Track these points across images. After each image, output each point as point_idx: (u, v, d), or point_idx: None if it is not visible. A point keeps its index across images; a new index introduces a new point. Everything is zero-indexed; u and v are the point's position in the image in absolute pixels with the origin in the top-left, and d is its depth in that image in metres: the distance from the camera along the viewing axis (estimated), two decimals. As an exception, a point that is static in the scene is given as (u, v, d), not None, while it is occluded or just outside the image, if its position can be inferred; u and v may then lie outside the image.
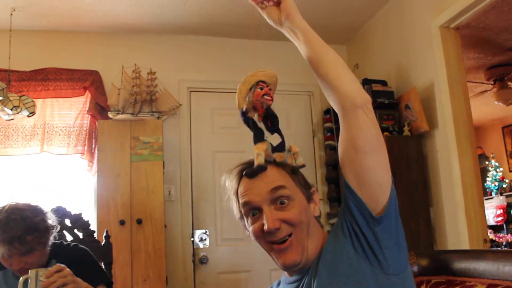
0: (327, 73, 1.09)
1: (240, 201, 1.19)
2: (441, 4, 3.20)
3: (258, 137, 1.21)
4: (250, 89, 1.19)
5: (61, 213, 2.35)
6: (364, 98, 1.08)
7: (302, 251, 1.14)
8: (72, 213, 2.44)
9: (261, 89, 1.17)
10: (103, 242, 2.44)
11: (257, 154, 1.18)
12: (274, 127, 1.22)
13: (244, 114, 1.21)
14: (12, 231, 1.70)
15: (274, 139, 1.22)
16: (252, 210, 1.17)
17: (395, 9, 3.80)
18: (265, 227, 1.12)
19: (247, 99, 1.19)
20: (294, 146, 1.23)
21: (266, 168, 1.17)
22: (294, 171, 1.20)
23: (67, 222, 2.42)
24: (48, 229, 1.84)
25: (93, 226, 2.88)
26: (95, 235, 2.48)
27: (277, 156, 1.21)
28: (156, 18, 3.94)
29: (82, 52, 4.06)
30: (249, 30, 4.08)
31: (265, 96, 1.16)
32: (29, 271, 1.60)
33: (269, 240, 1.14)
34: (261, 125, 1.22)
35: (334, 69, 1.09)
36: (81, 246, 2.08)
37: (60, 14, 3.77)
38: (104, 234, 2.47)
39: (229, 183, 1.23)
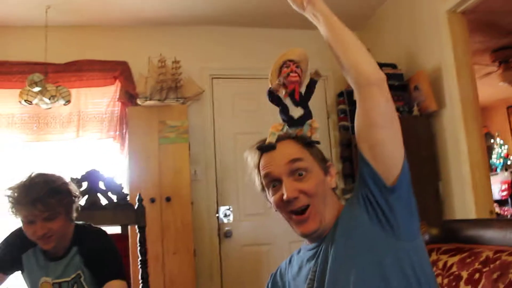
0: (346, 53, 1.10)
1: (262, 174, 1.20)
2: (448, -11, 3.14)
3: (283, 112, 1.22)
4: (280, 69, 1.21)
5: (94, 176, 2.31)
6: (379, 76, 1.09)
7: (320, 220, 1.15)
8: (106, 177, 2.37)
9: (287, 67, 1.19)
10: (136, 205, 2.36)
11: (270, 132, 1.20)
12: (301, 101, 1.22)
13: (269, 94, 1.23)
14: (35, 193, 1.65)
15: (299, 112, 1.23)
16: (272, 182, 1.18)
17: (404, -4, 3.74)
18: (284, 196, 1.13)
19: (276, 79, 1.21)
20: (315, 122, 1.23)
21: (275, 147, 1.18)
22: (309, 144, 1.21)
23: (101, 185, 2.35)
24: (70, 192, 1.79)
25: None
26: (128, 198, 2.39)
27: (296, 131, 1.21)
28: (179, 11, 3.94)
29: (111, 45, 4.08)
30: (267, 19, 4.05)
31: (290, 74, 1.18)
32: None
33: (289, 209, 1.16)
34: (287, 101, 1.23)
35: (352, 49, 1.10)
36: (106, 236, 1.94)
37: (91, 10, 3.79)
38: (137, 197, 2.38)
39: (251, 158, 1.24)
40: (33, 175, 1.74)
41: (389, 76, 3.66)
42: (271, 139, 1.19)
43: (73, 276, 1.81)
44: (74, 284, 1.81)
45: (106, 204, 2.34)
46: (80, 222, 1.92)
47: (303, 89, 1.25)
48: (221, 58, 4.25)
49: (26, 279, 1.86)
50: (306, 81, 1.26)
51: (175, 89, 3.89)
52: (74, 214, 1.83)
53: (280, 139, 1.20)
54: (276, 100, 1.23)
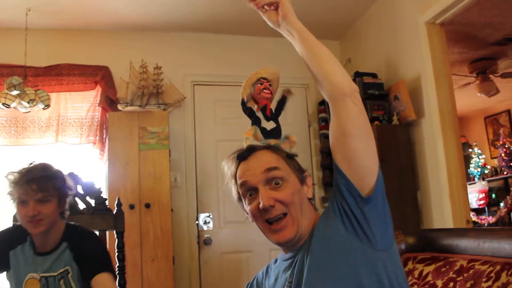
0: (319, 66, 1.14)
1: (238, 183, 1.21)
2: (427, 1, 3.19)
3: (256, 123, 1.26)
4: (253, 85, 1.26)
5: (73, 180, 2.23)
6: (352, 87, 1.11)
7: (296, 229, 1.16)
8: (84, 181, 2.34)
9: (261, 84, 1.26)
10: (115, 210, 2.35)
11: (245, 138, 1.24)
12: (272, 116, 1.27)
13: (243, 104, 1.28)
14: (32, 174, 1.78)
15: (271, 126, 1.27)
16: (249, 191, 1.19)
17: (385, 7, 3.79)
18: (261, 205, 1.14)
19: (248, 92, 1.27)
20: (293, 137, 1.27)
21: (255, 149, 1.21)
22: (288, 156, 1.23)
23: (80, 189, 2.32)
24: (65, 182, 1.89)
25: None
26: (107, 203, 2.38)
27: (271, 141, 1.24)
28: (162, 16, 3.94)
29: (93, 49, 4.05)
30: (248, 27, 4.07)
31: (264, 91, 1.25)
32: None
33: (265, 218, 1.16)
34: (259, 114, 1.27)
35: (325, 62, 1.14)
36: (96, 235, 2.05)
37: (72, 13, 3.76)
38: (116, 201, 2.37)
39: (228, 168, 1.25)
40: (34, 162, 1.88)
41: (369, 86, 3.74)
42: (248, 142, 1.23)
43: (60, 271, 1.85)
44: (61, 279, 1.84)
45: (84, 209, 2.31)
46: (72, 223, 1.99)
47: (273, 106, 1.30)
48: (203, 65, 4.25)
49: (11, 277, 1.88)
50: (276, 98, 1.32)
51: (156, 95, 3.88)
52: (67, 209, 1.92)
53: (256, 149, 1.21)
54: (249, 111, 1.27)
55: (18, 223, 1.93)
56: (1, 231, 1.95)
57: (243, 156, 1.21)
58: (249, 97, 1.27)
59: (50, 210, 1.80)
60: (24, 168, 1.83)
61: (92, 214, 2.30)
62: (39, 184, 1.77)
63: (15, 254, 1.88)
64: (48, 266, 1.84)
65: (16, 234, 1.88)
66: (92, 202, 2.34)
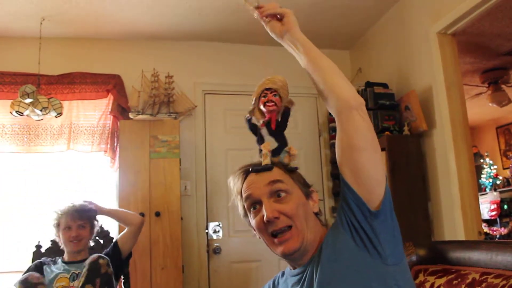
0: (324, 79, 1.12)
1: (243, 196, 1.21)
2: (438, 11, 3.18)
3: (259, 142, 1.25)
4: (258, 98, 1.23)
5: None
6: (357, 100, 1.10)
7: (301, 240, 1.15)
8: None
9: (264, 97, 1.21)
10: (128, 256, 2.80)
11: (265, 153, 1.22)
12: (277, 130, 1.23)
13: (248, 121, 1.27)
14: (75, 207, 2.58)
15: (273, 145, 1.25)
16: (253, 204, 1.19)
17: (395, 17, 3.78)
18: (265, 217, 1.14)
19: (254, 106, 1.24)
20: (294, 149, 1.25)
21: (272, 168, 1.20)
22: (290, 169, 1.22)
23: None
24: (95, 220, 2.68)
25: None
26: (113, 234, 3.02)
27: (274, 159, 1.23)
28: (173, 26, 3.96)
29: (105, 58, 4.09)
30: (259, 37, 4.07)
31: (266, 104, 1.21)
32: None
33: (270, 231, 1.16)
34: (264, 130, 1.25)
35: (330, 75, 1.12)
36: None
37: (86, 23, 3.80)
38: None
39: (234, 183, 1.26)
40: (74, 202, 2.64)
41: (380, 96, 3.72)
42: (267, 160, 1.21)
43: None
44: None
45: (94, 245, 2.84)
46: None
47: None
48: (214, 74, 4.27)
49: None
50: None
51: (168, 104, 3.90)
52: (94, 236, 2.70)
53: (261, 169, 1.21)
54: (253, 129, 1.26)
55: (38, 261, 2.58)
56: (33, 264, 2.59)
57: (259, 170, 1.20)
58: (253, 113, 1.25)
59: (86, 234, 2.58)
60: (71, 203, 2.60)
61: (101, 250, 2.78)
62: (81, 215, 2.56)
63: (47, 267, 2.53)
64: (76, 267, 2.48)
65: (44, 259, 2.60)
66: (101, 241, 2.91)
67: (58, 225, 2.55)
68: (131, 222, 2.75)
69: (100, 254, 2.45)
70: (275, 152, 1.23)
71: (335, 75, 1.12)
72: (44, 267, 2.51)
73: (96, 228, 2.69)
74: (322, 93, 1.14)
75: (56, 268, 2.51)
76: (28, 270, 2.48)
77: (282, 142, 1.24)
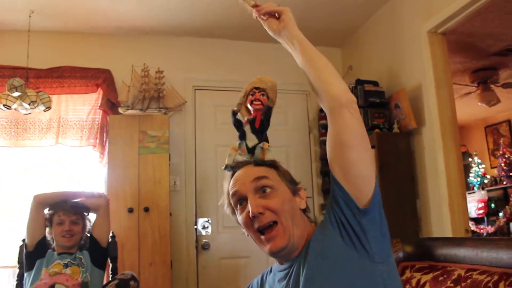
0: (318, 76, 1.14)
1: (230, 193, 1.23)
2: (429, 10, 3.21)
3: (241, 137, 1.30)
4: (246, 96, 1.28)
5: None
6: (349, 98, 1.11)
7: (288, 238, 1.16)
8: None
9: (252, 95, 1.27)
10: (109, 241, 2.84)
11: (229, 154, 1.29)
12: (260, 129, 1.29)
13: (233, 115, 1.32)
14: (70, 203, 2.68)
15: (255, 142, 1.31)
16: (240, 200, 1.21)
17: (386, 15, 3.80)
18: (250, 212, 1.15)
19: (242, 102, 1.30)
20: (266, 143, 1.29)
21: (233, 168, 1.25)
22: (273, 165, 1.25)
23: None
24: (86, 217, 2.74)
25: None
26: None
27: (251, 157, 1.29)
28: (164, 21, 3.95)
29: (95, 52, 4.06)
30: (250, 33, 4.08)
31: (253, 102, 1.27)
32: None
33: (256, 226, 1.17)
34: (247, 127, 1.30)
35: (324, 73, 1.14)
36: None
37: (75, 16, 3.77)
38: (111, 234, 2.88)
39: (225, 182, 1.28)
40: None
41: (370, 93, 3.74)
42: (228, 161, 1.28)
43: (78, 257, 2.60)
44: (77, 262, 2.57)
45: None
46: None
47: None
48: (204, 70, 4.26)
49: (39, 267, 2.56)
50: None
51: (157, 99, 3.88)
52: (84, 234, 2.71)
53: (242, 165, 1.25)
54: (237, 125, 1.30)
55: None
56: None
57: (230, 167, 1.26)
58: (240, 107, 1.29)
59: (79, 229, 2.63)
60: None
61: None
62: (74, 211, 2.63)
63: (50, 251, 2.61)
64: (68, 257, 2.57)
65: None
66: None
67: (50, 221, 2.61)
68: (97, 207, 2.77)
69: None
70: (252, 151, 1.27)
71: (329, 73, 1.14)
72: (49, 250, 2.60)
73: (88, 227, 2.73)
74: (316, 90, 1.15)
75: (49, 258, 2.58)
76: (35, 250, 2.59)
77: (263, 139, 1.28)
